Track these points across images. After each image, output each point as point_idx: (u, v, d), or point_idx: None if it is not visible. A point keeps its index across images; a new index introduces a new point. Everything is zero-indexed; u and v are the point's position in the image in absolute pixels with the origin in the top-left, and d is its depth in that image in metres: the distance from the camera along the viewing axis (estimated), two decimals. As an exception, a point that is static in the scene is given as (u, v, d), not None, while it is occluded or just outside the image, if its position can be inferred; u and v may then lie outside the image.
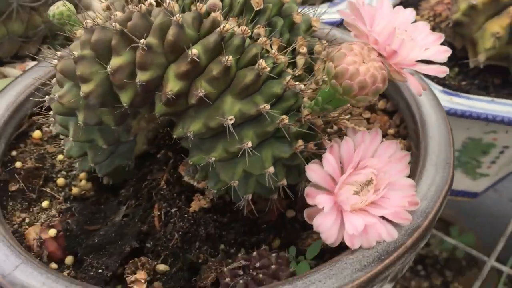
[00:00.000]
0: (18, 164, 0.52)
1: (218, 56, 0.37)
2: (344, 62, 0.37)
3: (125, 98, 0.39)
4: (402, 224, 0.38)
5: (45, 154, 0.54)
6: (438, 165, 0.43)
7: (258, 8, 0.42)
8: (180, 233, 0.42)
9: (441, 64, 0.40)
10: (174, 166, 0.45)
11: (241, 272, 0.40)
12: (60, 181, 0.52)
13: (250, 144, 0.37)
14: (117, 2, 0.47)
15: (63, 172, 0.53)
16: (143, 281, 0.40)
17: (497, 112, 0.58)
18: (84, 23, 0.41)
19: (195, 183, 0.43)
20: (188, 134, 0.38)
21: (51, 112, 0.45)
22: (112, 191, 0.49)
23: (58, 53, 0.43)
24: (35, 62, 0.68)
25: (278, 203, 0.43)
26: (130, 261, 0.41)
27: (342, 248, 0.40)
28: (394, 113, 0.55)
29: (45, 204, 0.49)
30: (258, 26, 0.41)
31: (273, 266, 0.39)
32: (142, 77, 0.37)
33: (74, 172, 0.52)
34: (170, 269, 0.42)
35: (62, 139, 0.49)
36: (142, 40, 0.37)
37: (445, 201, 0.41)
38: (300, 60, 0.44)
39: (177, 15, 0.37)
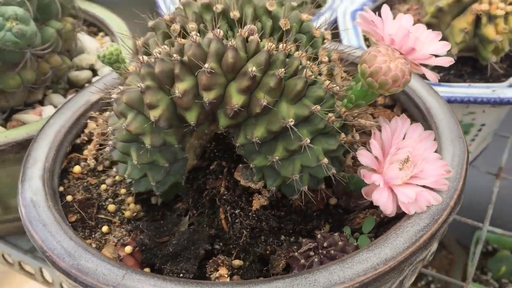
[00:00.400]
0: (69, 198, 0.55)
1: (268, 70, 0.44)
2: (377, 62, 0.44)
3: (192, 117, 0.44)
4: (441, 189, 0.46)
5: (88, 186, 0.58)
6: (453, 140, 0.51)
7: (285, 28, 0.49)
8: (248, 230, 0.48)
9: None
10: (229, 174, 0.50)
11: (312, 253, 0.46)
12: (111, 207, 0.56)
13: (308, 140, 0.44)
14: (151, 39, 0.53)
15: (110, 199, 0.57)
16: (226, 275, 0.45)
17: (475, 94, 0.67)
18: (133, 59, 0.47)
19: (252, 185, 0.49)
20: (254, 140, 0.44)
21: (110, 142, 0.50)
22: (163, 208, 0.54)
23: (116, 90, 0.48)
24: (47, 107, 0.72)
25: (324, 192, 0.50)
26: (210, 261, 0.46)
27: (385, 222, 0.48)
28: (393, 107, 0.63)
29: (104, 229, 0.53)
30: (290, 42, 0.48)
31: (340, 243, 0.45)
32: (209, 96, 0.43)
33: (120, 198, 0.57)
34: (244, 263, 0.48)
35: (114, 167, 0.54)
36: (206, 65, 0.43)
37: (468, 169, 0.49)
38: (324, 68, 0.51)
39: (232, 41, 0.43)
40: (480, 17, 0.70)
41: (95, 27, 0.89)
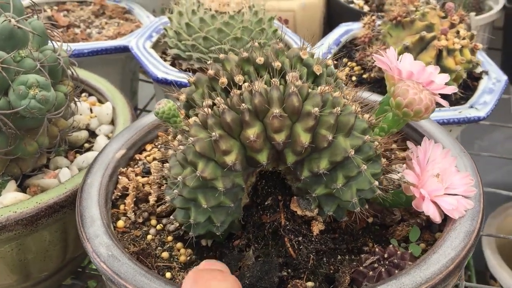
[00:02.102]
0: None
1: (324, 109, 0.51)
2: (410, 94, 0.53)
3: (263, 158, 0.50)
4: (470, 196, 0.54)
5: (136, 238, 0.60)
6: (460, 154, 0.61)
7: (319, 73, 0.56)
8: (313, 253, 0.53)
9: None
10: (285, 206, 0.56)
11: (376, 265, 0.52)
12: (165, 254, 0.58)
13: (365, 167, 0.51)
14: (195, 93, 0.57)
15: (159, 248, 0.60)
16: (307, 297, 0.51)
17: (447, 116, 0.79)
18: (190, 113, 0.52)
19: (308, 213, 0.54)
20: (320, 171, 0.50)
21: (175, 191, 0.53)
22: (217, 248, 0.58)
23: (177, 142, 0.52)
24: (63, 169, 0.73)
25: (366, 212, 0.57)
26: (289, 286, 0.51)
27: (426, 227, 0.56)
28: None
29: (168, 275, 0.56)
30: (329, 84, 0.55)
31: (398, 252, 0.52)
32: (280, 137, 0.49)
33: (168, 245, 0.60)
34: (315, 284, 0.53)
35: (171, 216, 0.57)
36: (276, 110, 0.49)
37: (480, 177, 0.58)
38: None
39: (292, 87, 0.50)
40: (441, 52, 0.82)
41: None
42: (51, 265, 0.70)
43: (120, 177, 0.65)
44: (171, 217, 0.57)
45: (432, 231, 0.58)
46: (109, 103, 0.83)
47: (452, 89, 0.57)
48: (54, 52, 0.66)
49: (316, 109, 0.49)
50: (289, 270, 0.54)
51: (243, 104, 0.49)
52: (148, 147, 0.71)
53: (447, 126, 0.81)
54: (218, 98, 0.52)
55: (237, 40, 0.89)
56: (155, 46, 1.04)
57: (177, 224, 0.61)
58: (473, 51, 0.85)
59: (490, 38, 1.21)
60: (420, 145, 0.56)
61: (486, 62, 0.94)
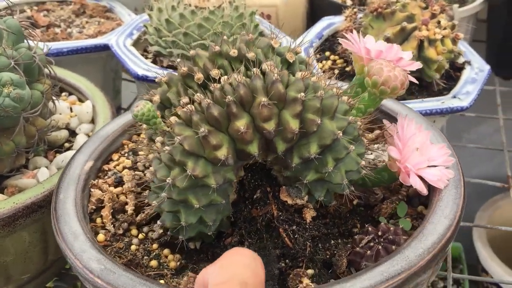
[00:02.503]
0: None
1: (307, 93, 0.50)
2: (385, 72, 0.54)
3: (254, 149, 0.49)
4: (449, 166, 0.56)
5: (120, 251, 0.57)
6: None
7: (292, 60, 0.56)
8: (309, 240, 0.53)
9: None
10: (275, 197, 0.55)
11: (372, 244, 0.53)
12: (153, 263, 0.56)
13: (353, 147, 0.51)
14: (169, 93, 0.55)
15: (146, 257, 0.57)
16: (311, 284, 0.50)
17: (429, 107, 0.81)
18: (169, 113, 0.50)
19: (299, 201, 0.54)
20: (312, 156, 0.50)
21: (163, 194, 0.51)
22: (208, 249, 0.56)
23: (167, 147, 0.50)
24: (42, 169, 0.70)
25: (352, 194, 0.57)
26: (291, 276, 0.51)
27: (407, 202, 0.57)
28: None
29: (163, 281, 0.54)
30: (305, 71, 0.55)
31: (391, 229, 0.53)
32: (270, 126, 0.48)
33: (154, 253, 0.57)
34: (315, 271, 0.53)
35: (158, 221, 0.54)
36: (264, 99, 0.48)
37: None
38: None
39: (275, 75, 0.49)
40: (422, 42, 0.83)
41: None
42: (32, 267, 0.69)
43: (92, 189, 0.62)
44: (158, 222, 0.55)
45: (413, 205, 0.59)
46: (89, 102, 0.82)
47: (418, 65, 0.59)
48: (30, 50, 0.65)
49: (302, 94, 0.49)
50: (287, 260, 0.53)
51: (228, 97, 0.48)
52: (115, 156, 0.68)
53: (430, 116, 0.82)
54: (198, 95, 0.51)
55: (218, 35, 0.88)
56: (136, 43, 1.02)
57: (161, 231, 0.59)
58: (454, 41, 0.86)
59: (474, 30, 1.23)
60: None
61: (468, 52, 0.95)
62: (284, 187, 0.55)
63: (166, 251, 0.57)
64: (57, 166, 0.72)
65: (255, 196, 0.55)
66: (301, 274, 0.51)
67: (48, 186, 0.64)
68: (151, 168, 0.53)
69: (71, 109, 0.83)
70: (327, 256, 0.54)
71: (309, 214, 0.55)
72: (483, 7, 1.22)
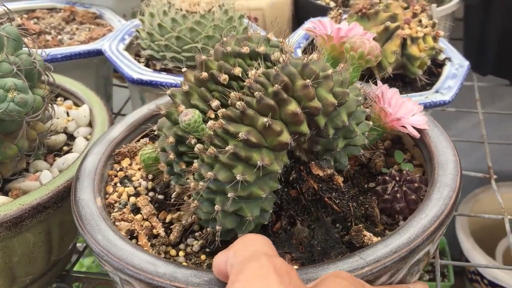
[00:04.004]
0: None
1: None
2: (367, 43, 0.63)
3: (306, 128, 0.53)
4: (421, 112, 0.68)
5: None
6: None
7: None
8: (351, 202, 0.59)
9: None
10: (307, 174, 0.60)
11: (396, 189, 0.61)
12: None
13: (368, 111, 0.59)
14: (193, 100, 0.56)
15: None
16: (371, 235, 0.57)
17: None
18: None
19: (329, 171, 0.60)
20: (345, 124, 0.56)
21: (230, 194, 0.52)
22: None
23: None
24: (44, 172, 0.71)
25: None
26: (353, 232, 0.56)
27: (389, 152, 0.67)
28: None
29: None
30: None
31: (404, 172, 0.62)
32: (317, 104, 0.53)
33: (207, 263, 0.57)
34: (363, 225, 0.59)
35: (216, 225, 0.55)
36: (306, 81, 0.52)
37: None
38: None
39: (305, 59, 0.54)
40: (405, 40, 0.90)
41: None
42: (36, 267, 0.71)
43: (117, 223, 0.58)
44: (217, 226, 0.55)
45: (390, 155, 0.70)
46: (85, 106, 0.84)
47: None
48: (30, 56, 0.67)
49: (331, 70, 0.55)
50: (337, 224, 0.59)
51: (276, 85, 0.52)
52: (109, 189, 0.65)
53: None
54: (233, 93, 0.53)
55: (209, 38, 0.91)
56: (128, 48, 1.04)
57: (199, 242, 0.59)
58: (435, 39, 0.92)
59: (452, 29, 1.28)
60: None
61: (448, 50, 1.01)
62: (313, 162, 0.60)
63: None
64: (59, 168, 0.73)
65: (291, 178, 0.59)
66: (361, 229, 0.57)
67: (52, 188, 0.66)
68: (205, 174, 0.52)
69: (67, 113, 0.84)
70: (363, 211, 0.61)
71: (340, 180, 0.61)
72: (460, 6, 1.29)
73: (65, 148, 0.79)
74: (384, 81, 0.80)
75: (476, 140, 1.16)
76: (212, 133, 0.53)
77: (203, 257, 0.58)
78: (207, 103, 0.56)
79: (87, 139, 0.79)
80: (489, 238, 1.51)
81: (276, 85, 0.52)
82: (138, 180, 0.66)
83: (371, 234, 0.56)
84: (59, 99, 0.89)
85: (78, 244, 1.18)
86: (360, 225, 0.57)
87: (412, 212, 0.61)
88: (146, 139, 0.73)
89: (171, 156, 0.57)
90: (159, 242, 0.59)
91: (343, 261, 0.50)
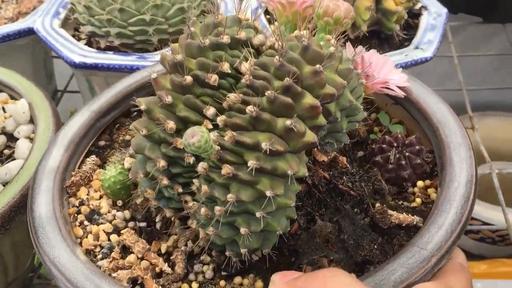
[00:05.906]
0: None
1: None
2: (341, 6, 0.56)
3: (323, 119, 0.47)
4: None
5: None
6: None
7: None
8: (363, 183, 0.55)
9: None
10: (313, 163, 0.54)
11: (398, 155, 0.58)
12: None
13: (363, 81, 0.54)
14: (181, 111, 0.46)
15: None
16: (396, 214, 0.53)
17: None
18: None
19: (332, 154, 0.55)
20: (354, 102, 0.51)
21: (258, 213, 0.45)
22: (275, 251, 0.52)
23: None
24: None
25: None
26: (379, 215, 0.52)
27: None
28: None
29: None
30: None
31: (399, 136, 0.59)
32: (331, 90, 0.46)
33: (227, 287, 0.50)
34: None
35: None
36: (317, 66, 0.45)
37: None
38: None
39: (305, 40, 0.47)
40: None
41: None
42: None
43: (113, 274, 0.48)
44: (242, 249, 0.47)
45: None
46: (23, 100, 0.73)
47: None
48: None
49: (332, 48, 0.48)
50: (355, 209, 0.54)
51: (286, 79, 0.44)
52: (78, 231, 0.53)
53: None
54: (232, 95, 0.45)
55: (158, 7, 0.78)
56: (64, 24, 0.89)
57: (210, 266, 0.52)
58: None
59: None
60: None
61: None
62: (315, 149, 0.54)
63: (237, 279, 0.51)
64: (1, 180, 0.64)
65: (297, 172, 0.53)
66: (385, 210, 0.53)
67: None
68: (223, 198, 0.44)
69: (3, 109, 0.73)
70: (372, 187, 0.57)
71: (344, 160, 0.56)
72: None
73: (6, 151, 0.69)
74: (358, 39, 0.75)
75: (454, 87, 1.12)
76: (219, 148, 0.44)
77: (222, 283, 0.51)
78: (199, 112, 0.47)
79: (30, 139, 0.69)
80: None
81: (287, 78, 0.44)
82: (108, 212, 0.55)
83: (395, 212, 0.53)
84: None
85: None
86: (383, 206, 0.53)
87: (419, 177, 0.58)
88: (93, 157, 0.61)
89: (164, 181, 0.48)
90: (168, 281, 0.50)
91: (405, 256, 0.46)
